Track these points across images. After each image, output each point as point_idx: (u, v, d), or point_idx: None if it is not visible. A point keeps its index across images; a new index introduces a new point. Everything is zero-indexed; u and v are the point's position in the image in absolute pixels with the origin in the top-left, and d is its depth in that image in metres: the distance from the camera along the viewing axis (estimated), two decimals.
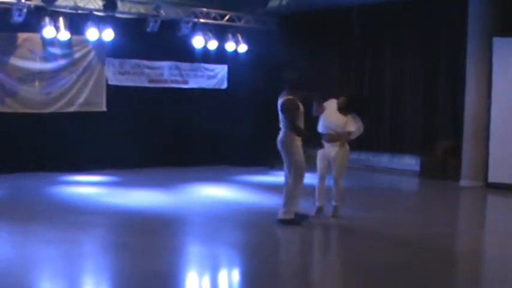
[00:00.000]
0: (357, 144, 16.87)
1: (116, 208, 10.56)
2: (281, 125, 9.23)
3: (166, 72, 15.73)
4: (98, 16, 14.26)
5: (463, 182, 13.62)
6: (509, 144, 13.12)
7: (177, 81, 15.91)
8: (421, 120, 15.51)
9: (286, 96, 9.14)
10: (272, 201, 11.25)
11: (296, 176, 9.16)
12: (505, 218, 11.12)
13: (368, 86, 16.74)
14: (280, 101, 9.19)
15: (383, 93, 16.36)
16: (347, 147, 9.99)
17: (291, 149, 9.13)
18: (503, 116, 13.23)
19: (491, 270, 7.60)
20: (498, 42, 13.26)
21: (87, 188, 12.67)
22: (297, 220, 9.14)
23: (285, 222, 9.10)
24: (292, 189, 9.17)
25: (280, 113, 9.20)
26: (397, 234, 9.04)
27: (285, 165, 9.33)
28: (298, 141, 9.18)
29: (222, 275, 7.22)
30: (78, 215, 9.84)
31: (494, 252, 8.43)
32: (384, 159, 16.57)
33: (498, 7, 13.43)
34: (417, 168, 15.17)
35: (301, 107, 9.18)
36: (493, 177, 13.30)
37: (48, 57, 14.29)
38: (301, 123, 9.17)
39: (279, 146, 9.25)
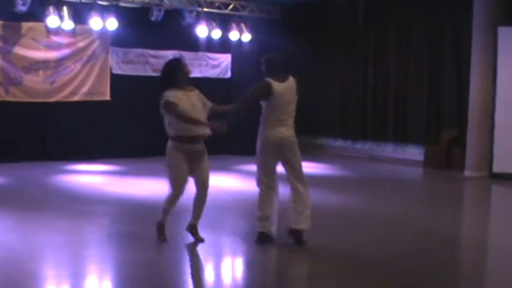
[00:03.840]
0: (361, 133, 17.01)
1: (120, 197, 10.59)
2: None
3: None
4: (101, 5, 14.27)
5: (468, 172, 13.59)
6: None
7: None
8: (425, 110, 15.48)
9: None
10: None
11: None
12: (510, 208, 11.12)
13: (372, 75, 16.71)
14: None
15: (387, 83, 16.32)
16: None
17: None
18: (508, 106, 13.19)
19: (494, 260, 7.59)
20: (503, 32, 13.19)
21: (91, 177, 12.70)
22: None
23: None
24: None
25: None
26: (401, 224, 9.04)
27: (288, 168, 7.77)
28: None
29: (226, 264, 7.24)
30: (82, 204, 9.86)
31: (498, 242, 8.43)
32: (388, 149, 16.55)
33: None
34: (421, 158, 15.16)
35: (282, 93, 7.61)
36: (497, 168, 13.28)
37: (52, 47, 14.31)
38: (282, 114, 7.65)
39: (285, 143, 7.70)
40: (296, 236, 7.56)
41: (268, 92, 7.58)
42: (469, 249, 8.11)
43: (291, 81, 7.73)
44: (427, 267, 6.79)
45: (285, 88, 7.63)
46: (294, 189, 7.63)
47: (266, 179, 7.66)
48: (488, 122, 13.43)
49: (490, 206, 11.83)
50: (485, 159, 13.44)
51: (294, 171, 7.67)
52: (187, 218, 7.93)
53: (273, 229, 7.67)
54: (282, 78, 7.67)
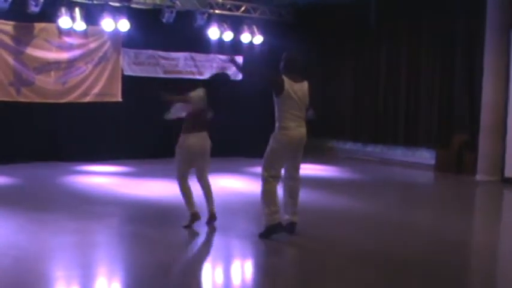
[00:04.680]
0: (372, 136, 16.96)
1: (130, 198, 10.59)
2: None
3: (181, 63, 15.74)
4: (113, 6, 14.30)
5: (479, 177, 13.51)
6: None
7: (192, 72, 15.91)
8: (437, 113, 15.42)
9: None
10: None
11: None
12: None
13: (384, 78, 16.67)
14: None
15: (399, 85, 16.27)
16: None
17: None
18: None
19: (506, 264, 7.55)
20: None
21: (102, 178, 12.73)
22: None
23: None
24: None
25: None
26: (412, 229, 8.99)
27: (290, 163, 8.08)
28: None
29: (235, 267, 7.22)
30: (92, 205, 9.88)
31: (509, 247, 8.38)
32: (399, 152, 16.49)
33: None
34: (432, 161, 15.09)
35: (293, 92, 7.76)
36: (509, 172, 13.18)
37: (64, 47, 14.34)
38: (299, 112, 7.82)
39: (303, 140, 7.97)
40: (293, 228, 7.97)
41: (280, 85, 7.72)
42: (480, 254, 8.06)
43: (305, 85, 7.90)
44: (438, 272, 6.75)
45: (298, 89, 7.80)
46: (292, 183, 8.06)
47: (275, 171, 7.89)
48: (500, 127, 13.35)
49: (502, 210, 11.75)
50: (497, 163, 13.36)
51: (296, 167, 8.07)
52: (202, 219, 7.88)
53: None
54: (296, 79, 7.82)
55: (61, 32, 14.18)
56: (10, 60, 13.76)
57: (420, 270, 6.87)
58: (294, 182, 8.10)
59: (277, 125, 7.94)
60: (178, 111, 8.72)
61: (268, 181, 7.86)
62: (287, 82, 7.73)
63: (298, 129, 7.83)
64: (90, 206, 9.81)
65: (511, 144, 13.18)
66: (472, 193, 12.73)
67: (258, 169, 14.21)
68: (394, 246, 7.88)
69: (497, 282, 6.91)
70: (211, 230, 8.41)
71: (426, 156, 15.57)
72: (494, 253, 8.10)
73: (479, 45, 13.84)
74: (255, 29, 16.02)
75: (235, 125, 15.90)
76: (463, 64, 14.89)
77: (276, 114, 7.94)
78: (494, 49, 13.36)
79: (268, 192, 7.84)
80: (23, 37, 13.85)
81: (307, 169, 14.43)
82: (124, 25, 14.36)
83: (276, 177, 7.91)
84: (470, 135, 14.43)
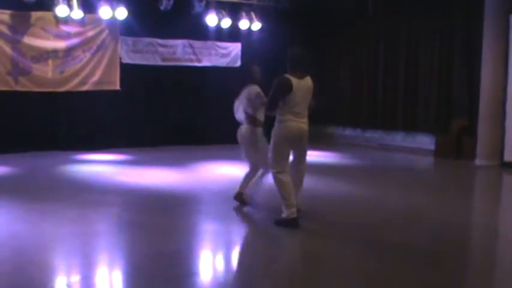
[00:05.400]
0: (371, 122, 16.95)
1: (129, 187, 10.58)
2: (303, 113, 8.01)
3: (179, 51, 15.69)
4: None
5: (478, 161, 13.53)
6: None
7: (190, 60, 15.87)
8: (436, 99, 15.40)
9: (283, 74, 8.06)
10: None
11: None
12: None
13: (383, 64, 16.63)
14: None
15: (397, 71, 16.25)
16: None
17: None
18: None
19: (506, 246, 7.57)
20: None
21: (101, 166, 12.72)
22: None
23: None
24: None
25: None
26: (414, 213, 9.00)
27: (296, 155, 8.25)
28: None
29: (236, 253, 7.22)
30: (92, 194, 9.87)
31: (509, 229, 8.40)
32: (398, 138, 16.49)
33: None
34: (432, 147, 15.09)
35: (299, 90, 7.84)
36: (508, 157, 13.20)
37: (61, 36, 14.30)
38: (300, 108, 7.88)
39: (304, 135, 8.05)
40: (299, 214, 8.03)
41: (289, 88, 7.80)
42: (480, 237, 8.08)
43: (308, 80, 8.01)
44: (436, 256, 6.76)
45: (302, 85, 7.90)
46: (299, 171, 8.25)
47: (280, 167, 7.95)
48: (499, 111, 13.34)
49: (502, 194, 11.75)
50: (497, 148, 13.37)
51: (302, 156, 8.23)
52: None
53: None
54: (301, 75, 7.91)
55: (58, 21, 14.12)
56: (7, 49, 13.72)
57: (424, 253, 6.88)
58: (297, 172, 8.20)
59: (276, 119, 7.98)
60: None
61: (277, 177, 7.93)
62: (294, 81, 7.79)
63: (296, 123, 7.87)
64: (89, 195, 9.80)
65: (510, 128, 13.18)
66: (471, 178, 12.73)
67: None
68: (397, 230, 7.89)
69: (497, 262, 6.93)
70: (211, 217, 8.42)
71: (426, 141, 15.56)
72: (496, 234, 8.11)
73: (478, 30, 13.80)
74: (254, 16, 15.94)
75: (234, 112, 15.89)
76: (462, 49, 14.85)
77: (278, 110, 7.94)
78: (493, 34, 13.34)
79: (281, 186, 7.91)
80: (19, 26, 13.80)
81: (308, 155, 14.46)
82: (122, 13, 14.30)
83: (283, 172, 7.94)
84: (469, 120, 14.42)
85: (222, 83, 15.97)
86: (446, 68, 15.22)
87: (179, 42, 15.67)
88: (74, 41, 14.47)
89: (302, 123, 7.94)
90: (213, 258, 6.95)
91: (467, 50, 14.70)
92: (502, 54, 13.28)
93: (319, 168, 12.57)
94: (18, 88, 13.89)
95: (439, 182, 12.44)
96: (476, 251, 7.56)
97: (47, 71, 14.19)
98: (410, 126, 16.01)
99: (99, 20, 14.57)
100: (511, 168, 12.95)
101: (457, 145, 14.46)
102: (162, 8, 14.75)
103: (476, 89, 13.88)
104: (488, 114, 13.51)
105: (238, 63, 16.40)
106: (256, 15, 15.94)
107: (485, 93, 13.57)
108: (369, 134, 17.23)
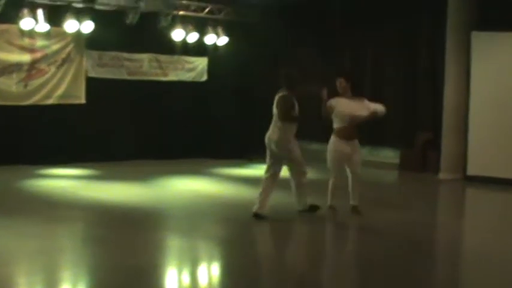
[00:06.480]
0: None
1: (94, 202, 10.50)
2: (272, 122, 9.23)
3: (145, 65, 15.64)
4: (76, 8, 14.14)
5: (442, 175, 13.70)
6: (488, 137, 13.22)
7: (156, 74, 15.82)
8: (401, 113, 15.54)
9: (281, 93, 9.14)
10: (251, 194, 11.25)
11: (300, 171, 9.39)
12: (483, 210, 11.22)
13: None
14: (276, 98, 9.19)
15: (363, 85, 16.33)
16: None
17: (287, 146, 9.21)
18: (481, 109, 13.32)
19: (470, 260, 7.66)
20: (476, 37, 13.35)
21: (65, 181, 12.58)
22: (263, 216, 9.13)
23: (257, 216, 9.12)
24: (302, 184, 9.46)
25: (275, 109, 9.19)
26: (378, 226, 9.07)
27: (270, 161, 9.30)
28: (292, 138, 9.25)
29: (202, 269, 7.21)
30: (56, 209, 9.78)
31: (473, 243, 8.51)
32: (363, 152, 16.54)
33: (477, 2, 13.50)
34: (397, 160, 15.23)
35: (297, 106, 9.21)
36: (471, 170, 13.40)
37: (26, 49, 14.14)
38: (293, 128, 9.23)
39: (266, 142, 9.25)
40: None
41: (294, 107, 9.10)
42: (444, 251, 8.17)
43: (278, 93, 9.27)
44: (401, 269, 6.82)
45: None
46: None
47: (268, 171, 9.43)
48: (462, 125, 13.56)
49: (465, 208, 11.92)
50: (460, 161, 13.57)
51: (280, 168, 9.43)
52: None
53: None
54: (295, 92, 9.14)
55: (23, 34, 13.98)
56: None
57: (383, 267, 6.93)
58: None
59: None
60: None
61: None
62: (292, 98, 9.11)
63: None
64: (54, 210, 9.71)
65: (472, 142, 13.40)
66: (435, 191, 12.88)
67: (224, 170, 14.30)
68: (360, 245, 7.94)
69: (463, 277, 7.01)
70: (177, 233, 8.39)
71: (391, 155, 15.69)
72: (458, 250, 8.21)
73: (441, 46, 14.01)
74: (220, 30, 15.98)
75: (200, 126, 15.91)
76: (426, 64, 15.05)
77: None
78: (455, 50, 13.60)
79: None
80: None
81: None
82: (87, 26, 14.21)
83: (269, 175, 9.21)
84: (433, 134, 14.60)
85: (188, 97, 16.01)
86: (411, 82, 15.39)
87: (145, 56, 15.63)
88: (39, 54, 14.34)
89: (269, 131, 9.19)
90: (178, 274, 6.94)
91: (431, 64, 14.90)
92: (464, 69, 13.53)
93: (284, 184, 12.62)
94: None
95: (402, 196, 12.54)
96: (437, 266, 7.64)
97: (11, 84, 14.03)
98: (376, 141, 16.11)
99: (64, 34, 14.46)
100: (474, 182, 13.15)
101: (421, 159, 14.62)
102: (128, 22, 14.72)
103: (440, 103, 14.08)
104: (452, 128, 13.72)
105: (204, 78, 16.40)
106: (222, 30, 15.98)
107: (448, 107, 13.79)
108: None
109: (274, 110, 9.13)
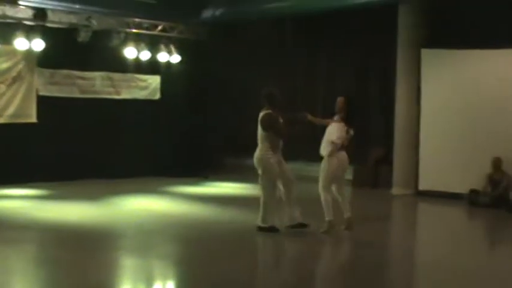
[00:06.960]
0: (289, 154, 17.03)
1: (47, 222, 10.35)
2: (258, 141, 9.60)
3: (98, 83, 15.53)
4: (27, 25, 13.98)
5: (395, 190, 13.88)
6: (439, 153, 13.46)
7: (109, 92, 15.72)
8: (353, 129, 15.67)
9: (265, 111, 9.50)
10: (206, 212, 11.27)
11: (269, 189, 9.79)
12: (435, 224, 11.39)
13: (300, 95, 16.88)
14: (260, 116, 9.53)
15: (315, 103, 16.50)
16: None
17: (266, 165, 9.72)
18: (432, 125, 13.57)
19: (423, 274, 7.77)
20: (426, 54, 13.61)
21: (16, 202, 12.36)
22: (274, 228, 9.48)
23: (263, 229, 9.43)
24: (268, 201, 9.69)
25: (259, 128, 9.53)
26: (331, 241, 9.13)
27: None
28: (272, 159, 9.77)
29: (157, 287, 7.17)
30: (7, 230, 9.61)
31: (425, 258, 8.62)
32: (316, 168, 16.66)
33: (426, 19, 13.76)
34: (349, 176, 15.33)
35: (281, 120, 9.61)
36: (423, 185, 13.61)
37: None
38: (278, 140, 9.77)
39: (255, 162, 9.72)
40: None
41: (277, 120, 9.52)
42: (398, 264, 8.26)
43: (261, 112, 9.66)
44: (353, 283, 6.88)
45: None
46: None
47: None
48: (413, 141, 13.78)
49: (417, 223, 12.08)
50: (412, 177, 13.77)
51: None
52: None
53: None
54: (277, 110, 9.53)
55: None
56: None
57: (337, 281, 6.98)
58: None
59: None
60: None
61: None
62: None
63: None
64: (5, 231, 9.54)
65: (424, 158, 13.62)
66: (388, 207, 13.03)
67: (178, 188, 14.22)
68: (302, 262, 7.99)
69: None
70: (130, 252, 8.32)
71: None
72: (412, 264, 8.31)
73: (392, 63, 14.22)
74: (173, 48, 15.97)
75: (154, 144, 15.83)
76: (377, 81, 15.29)
77: None
78: (406, 67, 13.84)
79: None
80: None
81: (225, 187, 14.50)
82: (38, 44, 14.06)
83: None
84: (385, 150, 14.79)
85: (141, 115, 15.94)
86: (362, 99, 15.55)
87: (98, 74, 15.52)
88: None
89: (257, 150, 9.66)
90: None
91: (383, 81, 15.14)
92: (415, 85, 13.77)
93: (228, 201, 12.67)
94: None
95: (354, 212, 12.61)
96: (390, 279, 7.73)
97: None
98: None
99: (15, 51, 14.29)
100: (425, 197, 13.35)
101: (374, 175, 14.79)
102: (80, 39, 14.60)
103: (392, 120, 14.28)
104: (403, 144, 13.92)
105: (157, 96, 16.36)
106: (175, 48, 15.98)
107: (400, 124, 14.00)
108: (289, 165, 17.36)
109: (259, 129, 9.54)
